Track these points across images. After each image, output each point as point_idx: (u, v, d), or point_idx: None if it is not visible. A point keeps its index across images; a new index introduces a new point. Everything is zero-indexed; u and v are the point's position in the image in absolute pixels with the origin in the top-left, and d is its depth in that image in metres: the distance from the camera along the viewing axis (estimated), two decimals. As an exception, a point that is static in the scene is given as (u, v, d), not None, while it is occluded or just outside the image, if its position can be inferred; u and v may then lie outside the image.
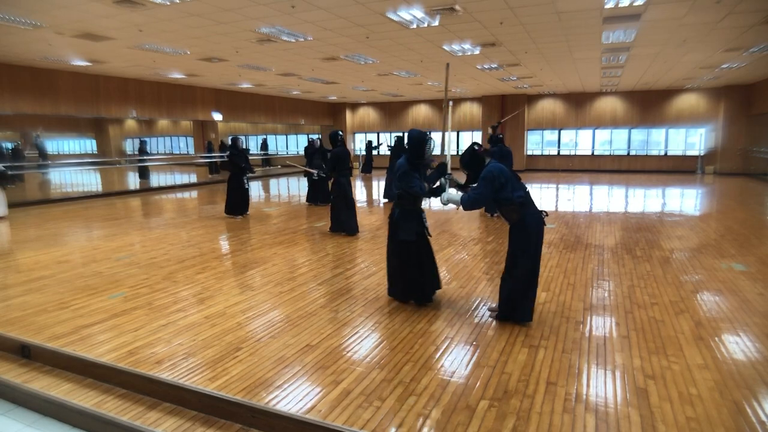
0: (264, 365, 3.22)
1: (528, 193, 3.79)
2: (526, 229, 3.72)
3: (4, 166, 9.51)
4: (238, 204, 9.36)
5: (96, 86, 13.41)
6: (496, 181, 3.69)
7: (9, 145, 19.82)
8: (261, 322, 4.00)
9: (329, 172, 7.69)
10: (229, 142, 9.53)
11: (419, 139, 4.17)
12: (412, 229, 4.22)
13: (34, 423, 2.87)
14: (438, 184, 4.26)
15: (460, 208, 3.92)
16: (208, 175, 20.30)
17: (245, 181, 9.42)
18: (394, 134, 15.80)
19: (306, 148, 11.52)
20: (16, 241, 7.63)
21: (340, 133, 7.80)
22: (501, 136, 9.04)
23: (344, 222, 7.58)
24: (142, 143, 19.19)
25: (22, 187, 15.54)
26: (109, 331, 3.84)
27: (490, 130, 9.36)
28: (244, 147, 9.69)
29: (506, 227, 4.05)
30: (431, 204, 10.67)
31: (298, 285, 5.03)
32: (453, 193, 4.06)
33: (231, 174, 9.34)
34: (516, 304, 3.86)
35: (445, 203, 4.06)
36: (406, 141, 4.32)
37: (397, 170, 4.23)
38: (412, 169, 4.17)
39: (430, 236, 4.40)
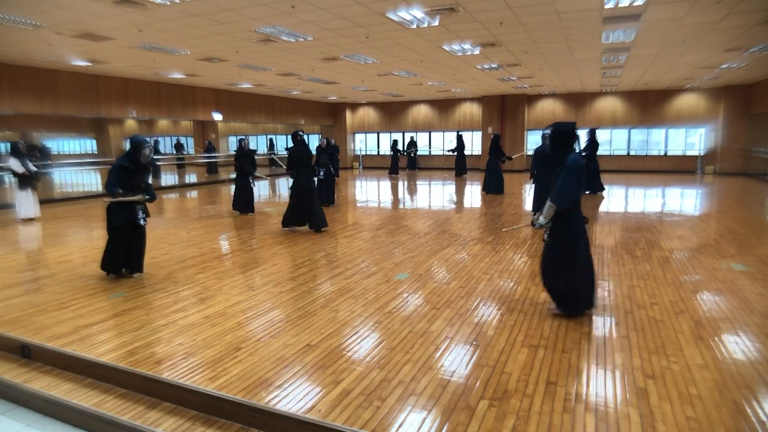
0: (264, 365, 3.22)
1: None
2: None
3: (35, 167, 9.46)
4: (238, 202, 9.77)
5: (96, 86, 13.40)
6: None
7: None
8: (261, 321, 4.00)
9: (287, 170, 7.89)
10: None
11: (136, 145, 4.95)
12: (121, 217, 5.05)
13: (34, 423, 2.87)
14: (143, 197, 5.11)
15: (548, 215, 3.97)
16: (206, 174, 20.36)
17: (251, 181, 9.74)
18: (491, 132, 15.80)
19: (317, 148, 11.55)
20: (16, 241, 7.63)
21: (300, 132, 7.84)
22: (548, 134, 9.23)
23: (313, 218, 7.76)
24: (156, 143, 19.20)
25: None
26: (109, 331, 3.84)
27: (489, 130, 9.45)
28: (250, 148, 9.99)
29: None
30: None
31: (298, 285, 5.03)
32: (546, 208, 3.97)
33: (237, 173, 9.83)
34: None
35: (546, 224, 4.01)
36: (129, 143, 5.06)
37: (111, 169, 4.98)
38: (120, 169, 4.93)
39: (144, 224, 5.22)
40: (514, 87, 17.42)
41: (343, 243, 7.08)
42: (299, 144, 7.80)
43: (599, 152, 19.45)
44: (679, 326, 3.82)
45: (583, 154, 12.45)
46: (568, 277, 3.93)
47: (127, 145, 5.12)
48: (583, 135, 15.31)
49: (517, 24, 8.12)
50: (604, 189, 12.81)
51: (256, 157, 10.26)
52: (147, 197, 5.14)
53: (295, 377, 3.05)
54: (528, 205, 10.97)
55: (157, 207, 11.61)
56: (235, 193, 9.89)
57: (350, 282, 5.11)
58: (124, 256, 5.21)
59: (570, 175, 3.77)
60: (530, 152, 19.21)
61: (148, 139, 5.23)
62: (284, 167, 8.20)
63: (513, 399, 2.78)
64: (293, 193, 7.81)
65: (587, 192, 12.60)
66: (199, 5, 6.88)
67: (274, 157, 22.19)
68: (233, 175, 10.91)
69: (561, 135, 3.99)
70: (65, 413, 2.86)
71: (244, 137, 10.24)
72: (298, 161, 7.73)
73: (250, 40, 9.12)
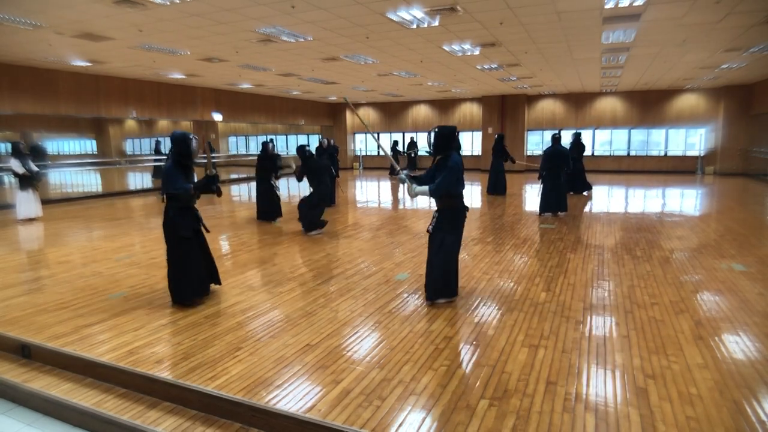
0: (264, 365, 3.22)
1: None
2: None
3: (37, 167, 9.45)
4: (265, 209, 9.16)
5: (96, 86, 13.40)
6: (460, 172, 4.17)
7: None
8: (261, 321, 4.00)
9: (299, 179, 7.66)
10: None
11: (182, 139, 4.35)
12: (189, 225, 4.42)
13: (34, 422, 2.87)
14: (209, 184, 4.52)
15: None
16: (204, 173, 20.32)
17: (274, 185, 9.20)
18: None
19: (317, 148, 11.51)
20: (16, 241, 7.63)
21: (325, 139, 7.68)
22: (558, 135, 9.41)
23: (304, 217, 7.63)
24: (158, 143, 19.22)
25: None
26: (109, 330, 3.84)
27: (490, 130, 9.48)
28: (275, 152, 9.43)
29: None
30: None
31: (298, 285, 5.03)
32: (422, 189, 4.31)
33: (258, 179, 9.23)
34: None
35: (413, 196, 4.35)
36: (171, 142, 4.44)
37: (164, 172, 4.37)
38: (177, 169, 4.34)
39: (208, 231, 4.67)
40: (514, 87, 17.42)
41: (344, 243, 7.08)
42: (309, 156, 7.54)
43: (599, 153, 19.85)
44: (679, 326, 3.83)
45: None
46: (447, 265, 4.27)
47: (156, 145, 4.85)
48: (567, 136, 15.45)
49: (517, 24, 8.12)
50: (591, 188, 12.91)
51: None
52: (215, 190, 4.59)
53: (295, 377, 3.05)
54: (528, 205, 10.97)
55: (157, 207, 11.60)
56: (258, 200, 9.23)
57: (350, 282, 5.11)
58: (199, 273, 4.52)
59: (450, 174, 4.14)
60: (529, 153, 19.26)
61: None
62: (292, 169, 7.99)
63: (513, 399, 2.78)
64: (318, 201, 7.58)
65: (571, 192, 12.57)
66: (199, 5, 6.88)
67: (282, 162, 22.07)
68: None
69: (443, 137, 4.22)
70: (65, 413, 2.86)
71: (268, 140, 9.68)
72: (319, 171, 7.48)
73: (250, 40, 9.12)
